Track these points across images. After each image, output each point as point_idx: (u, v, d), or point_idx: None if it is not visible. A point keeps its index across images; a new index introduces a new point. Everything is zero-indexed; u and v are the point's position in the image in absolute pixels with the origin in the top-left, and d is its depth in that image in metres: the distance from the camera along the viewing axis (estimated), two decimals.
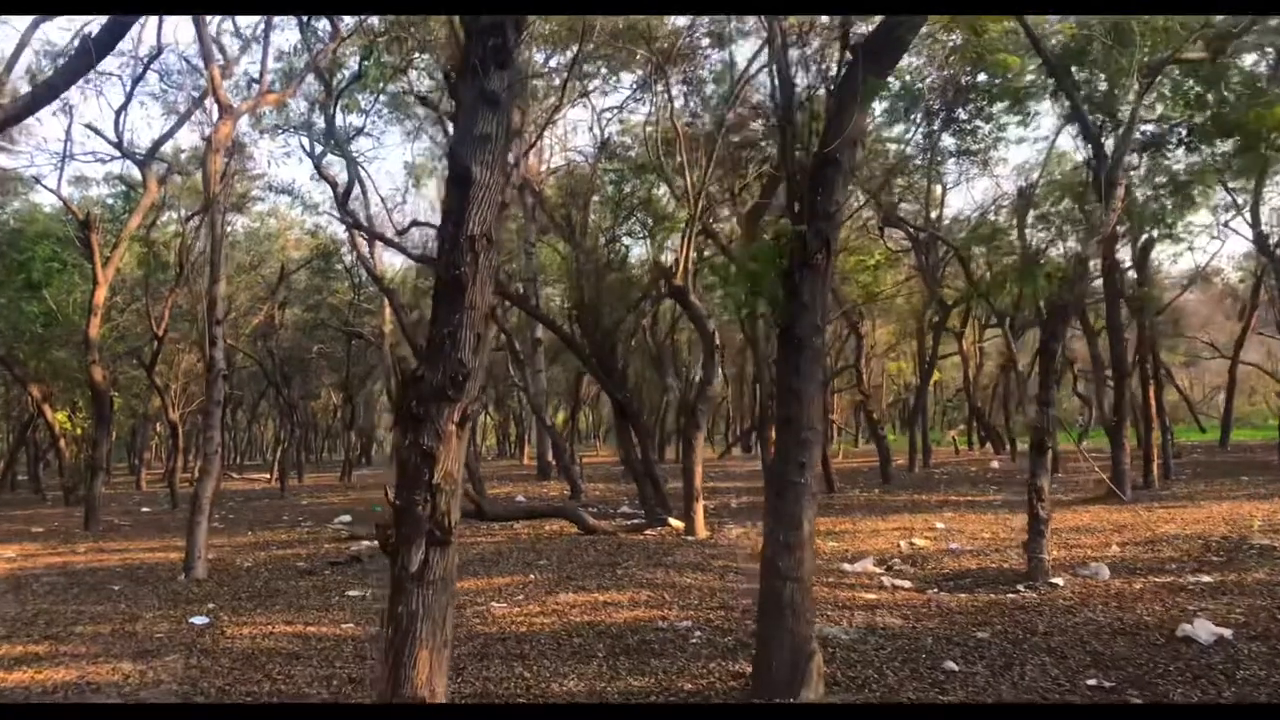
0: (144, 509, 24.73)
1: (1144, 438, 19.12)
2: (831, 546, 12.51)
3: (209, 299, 11.64)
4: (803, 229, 5.89)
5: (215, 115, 12.68)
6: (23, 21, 21.79)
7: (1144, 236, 19.95)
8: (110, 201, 27.37)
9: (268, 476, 40.39)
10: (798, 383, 5.83)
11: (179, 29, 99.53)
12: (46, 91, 6.90)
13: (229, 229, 31.35)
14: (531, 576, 10.65)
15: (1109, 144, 14.88)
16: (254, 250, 34.30)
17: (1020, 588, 9.24)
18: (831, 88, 6.48)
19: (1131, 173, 16.03)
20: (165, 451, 57.32)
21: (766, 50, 13.90)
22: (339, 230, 36.96)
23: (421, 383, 4.06)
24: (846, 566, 11.16)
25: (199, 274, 26.99)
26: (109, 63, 20.19)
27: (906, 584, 10.01)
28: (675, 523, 14.21)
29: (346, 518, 17.62)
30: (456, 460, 4.06)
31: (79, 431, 28.21)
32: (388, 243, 18.62)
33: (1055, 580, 9.46)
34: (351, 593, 9.90)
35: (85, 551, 14.71)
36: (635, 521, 15.05)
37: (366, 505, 21.34)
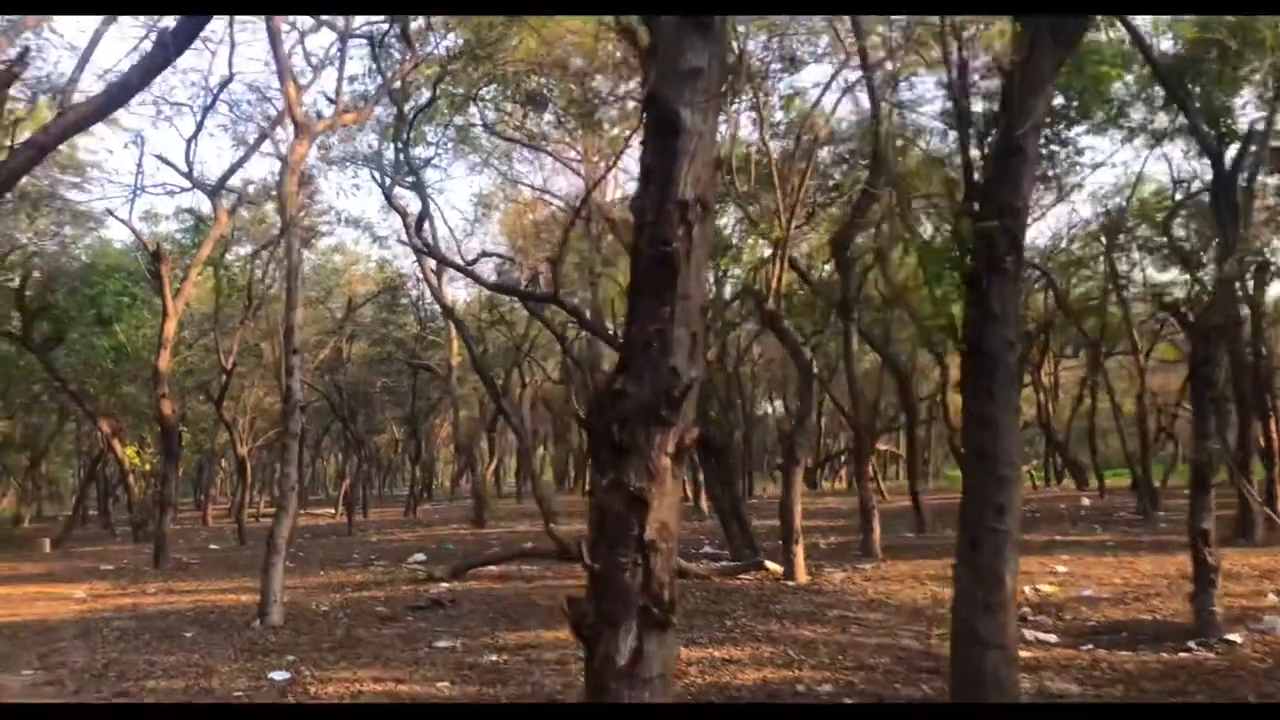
0: (212, 545, 24.32)
1: (1268, 474, 17.73)
2: (949, 593, 11.44)
3: (285, 327, 11.02)
4: (990, 226, 4.99)
5: (291, 135, 12.15)
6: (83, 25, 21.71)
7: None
8: (179, 237, 27.27)
9: (333, 512, 40.07)
10: (991, 409, 4.90)
11: (249, 58, 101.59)
12: (121, 90, 6.30)
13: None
14: None
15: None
16: (321, 284, 34.14)
17: (1192, 645, 8.11)
18: (1009, 69, 5.59)
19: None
20: (231, 486, 57.56)
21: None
22: (405, 264, 36.78)
23: (624, 400, 3.13)
24: None
25: (268, 306, 26.77)
26: (180, 93, 20.06)
27: (1052, 638, 8.92)
28: (773, 566, 13.22)
29: (421, 556, 16.89)
30: (673, 508, 3.16)
31: (148, 467, 28.01)
32: (462, 270, 18.03)
33: (1231, 637, 8.32)
34: (440, 643, 9.08)
35: (155, 592, 14.13)
36: (728, 564, 14.08)
37: (437, 542, 20.64)
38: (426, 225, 21.02)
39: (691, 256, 3.04)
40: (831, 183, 17.79)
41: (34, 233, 25.65)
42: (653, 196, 3.11)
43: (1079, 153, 19.37)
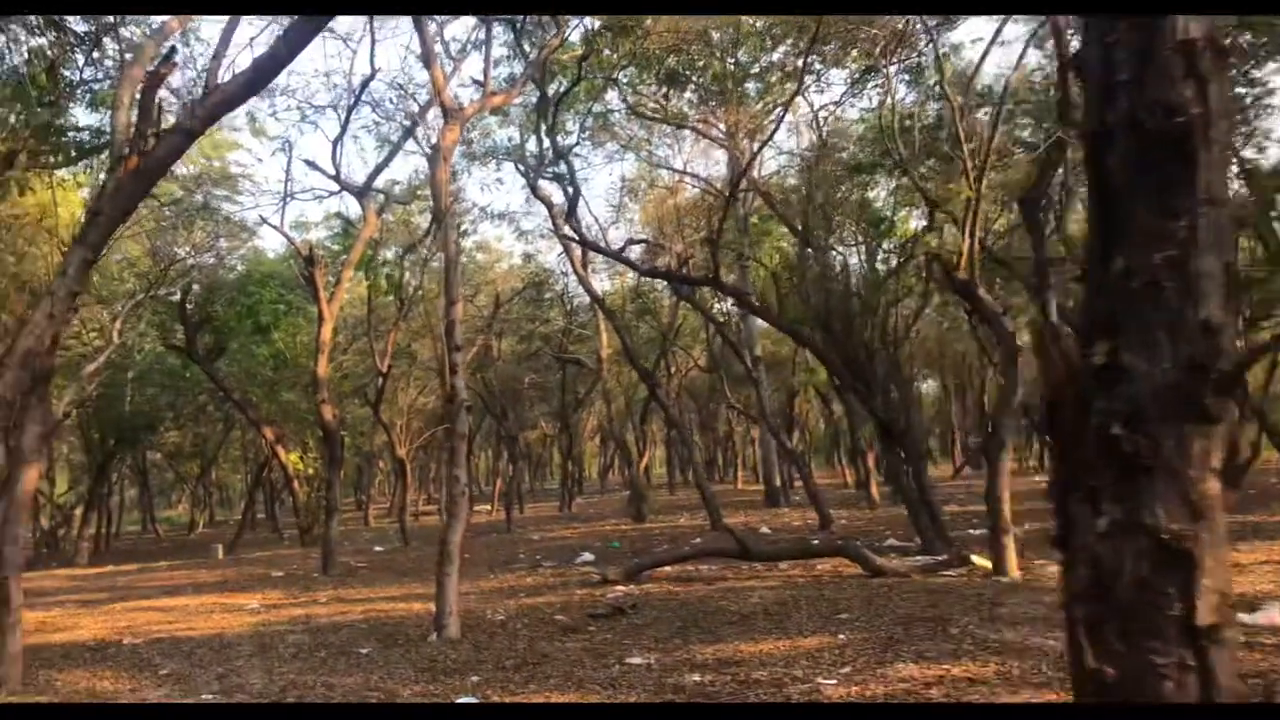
0: (376, 548, 24.37)
1: None
2: None
3: (446, 323, 10.38)
4: None
5: (439, 123, 11.54)
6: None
7: None
8: (329, 244, 27.57)
9: (488, 509, 40.30)
10: None
11: (389, 54, 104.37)
12: (270, 62, 5.67)
13: (440, 259, 31.36)
14: (842, 637, 8.67)
15: None
16: (467, 282, 34.18)
17: None
18: None
19: None
20: (389, 486, 59.00)
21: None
22: (549, 259, 36.39)
23: (1126, 383, 1.87)
24: (1244, 617, 8.60)
25: (420, 305, 26.77)
26: (322, 97, 19.85)
27: None
28: (980, 561, 11.91)
29: (589, 556, 16.21)
30: (1227, 566, 1.96)
31: (310, 471, 28.44)
32: (614, 256, 17.27)
33: None
34: (633, 659, 8.22)
35: (327, 601, 13.84)
36: (928, 560, 12.81)
37: (601, 540, 19.97)
38: (567, 212, 20.43)
39: (1211, 132, 1.88)
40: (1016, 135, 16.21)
41: (191, 246, 26.28)
42: (1128, 46, 1.92)
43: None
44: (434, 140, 12.58)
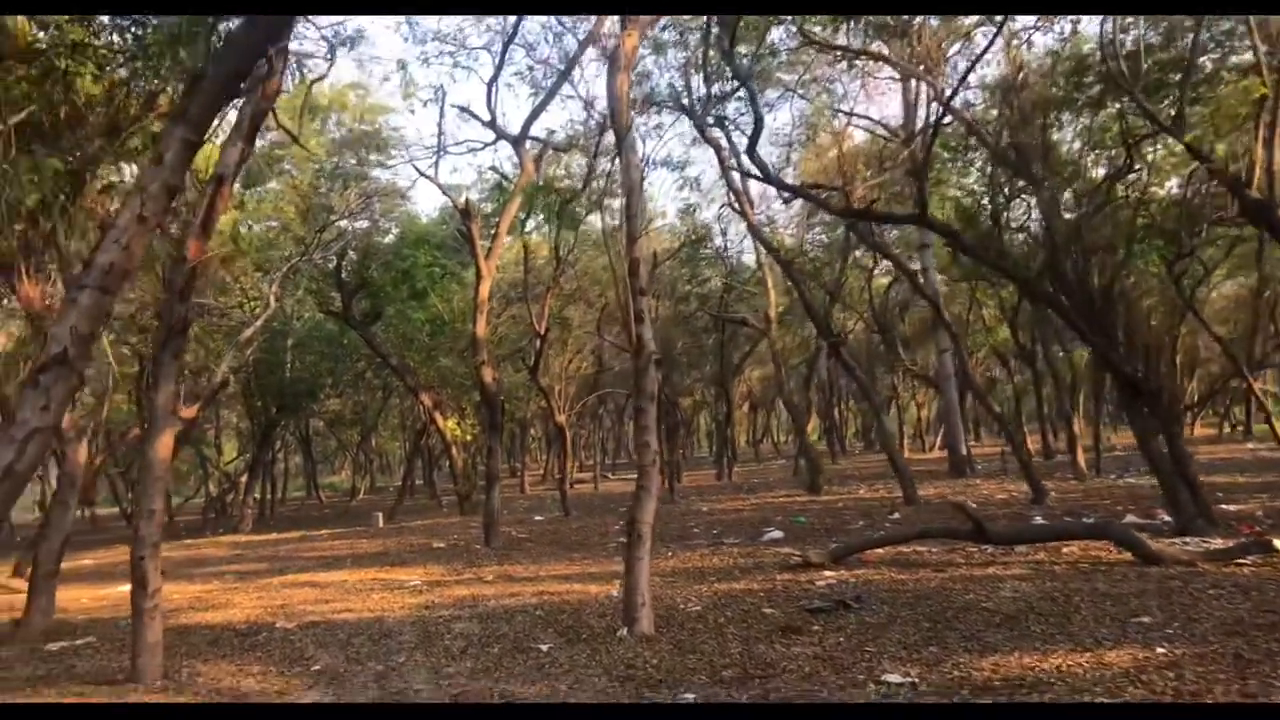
0: (536, 517, 23.24)
1: None
2: None
3: (629, 262, 8.69)
4: None
5: (618, 28, 9.82)
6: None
7: None
8: (484, 205, 26.48)
9: None
10: None
11: None
12: None
13: (581, 227, 29.84)
14: (1161, 650, 6.59)
15: None
16: (618, 247, 32.72)
17: None
18: None
19: None
20: (539, 453, 58.70)
21: None
22: (708, 214, 34.45)
23: None
24: None
25: (573, 267, 25.42)
26: (475, 39, 18.46)
27: None
28: None
29: (777, 533, 14.40)
30: None
31: (468, 438, 27.61)
32: (804, 195, 15.22)
33: None
34: (891, 678, 6.39)
35: (493, 579, 12.51)
36: (1209, 546, 10.46)
37: (776, 512, 18.13)
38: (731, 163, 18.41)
39: None
40: None
41: (345, 210, 25.63)
42: None
43: None
44: (591, 82, 10.89)
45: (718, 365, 35.31)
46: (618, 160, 13.31)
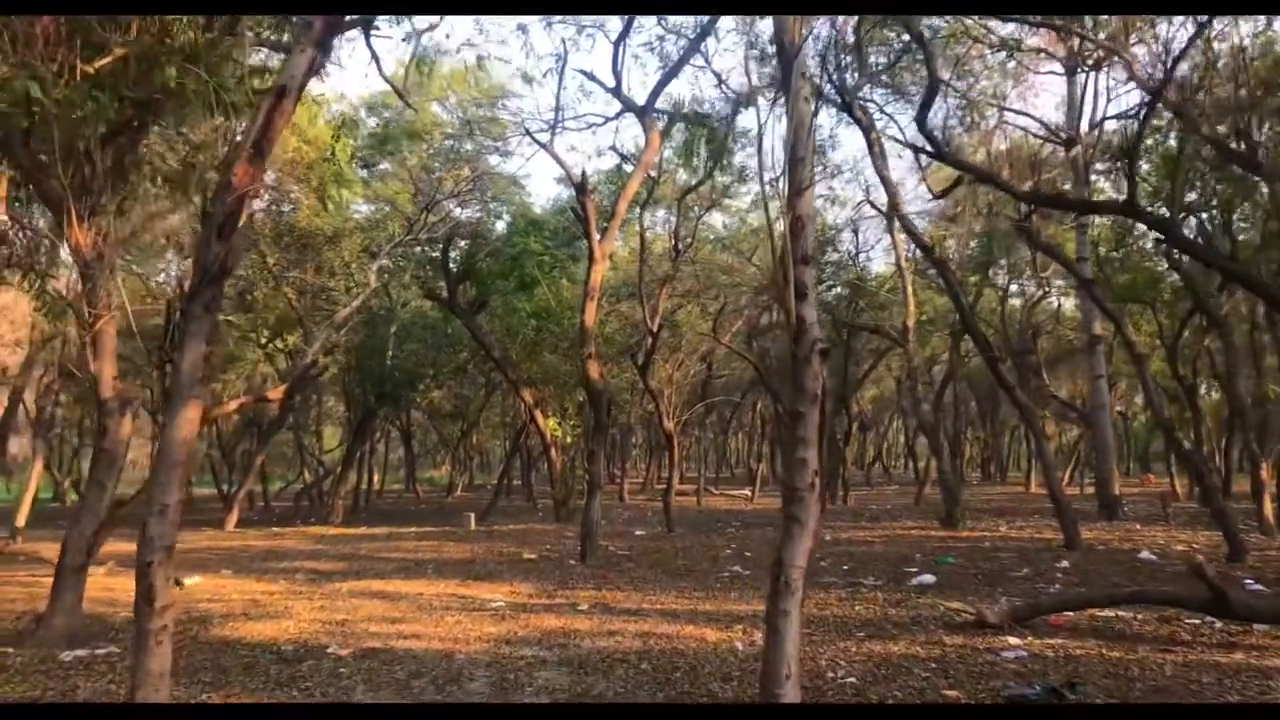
0: (637, 531, 21.31)
1: None
2: None
3: (791, 220, 6.64)
4: None
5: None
6: None
7: None
8: (603, 187, 24.78)
9: (747, 494, 36.82)
10: None
11: None
12: None
13: (701, 225, 27.79)
14: None
15: None
16: (736, 247, 30.66)
17: None
18: None
19: None
20: (643, 460, 56.82)
21: None
22: (837, 215, 32.12)
23: None
24: None
25: (691, 262, 23.51)
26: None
27: None
28: None
29: (928, 579, 12.08)
30: None
31: (569, 440, 25.91)
32: (990, 180, 12.80)
33: None
34: None
35: (588, 608, 10.58)
36: None
37: (911, 548, 15.77)
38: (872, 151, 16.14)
39: None
40: None
41: (455, 192, 24.25)
42: None
43: None
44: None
45: (836, 379, 32.98)
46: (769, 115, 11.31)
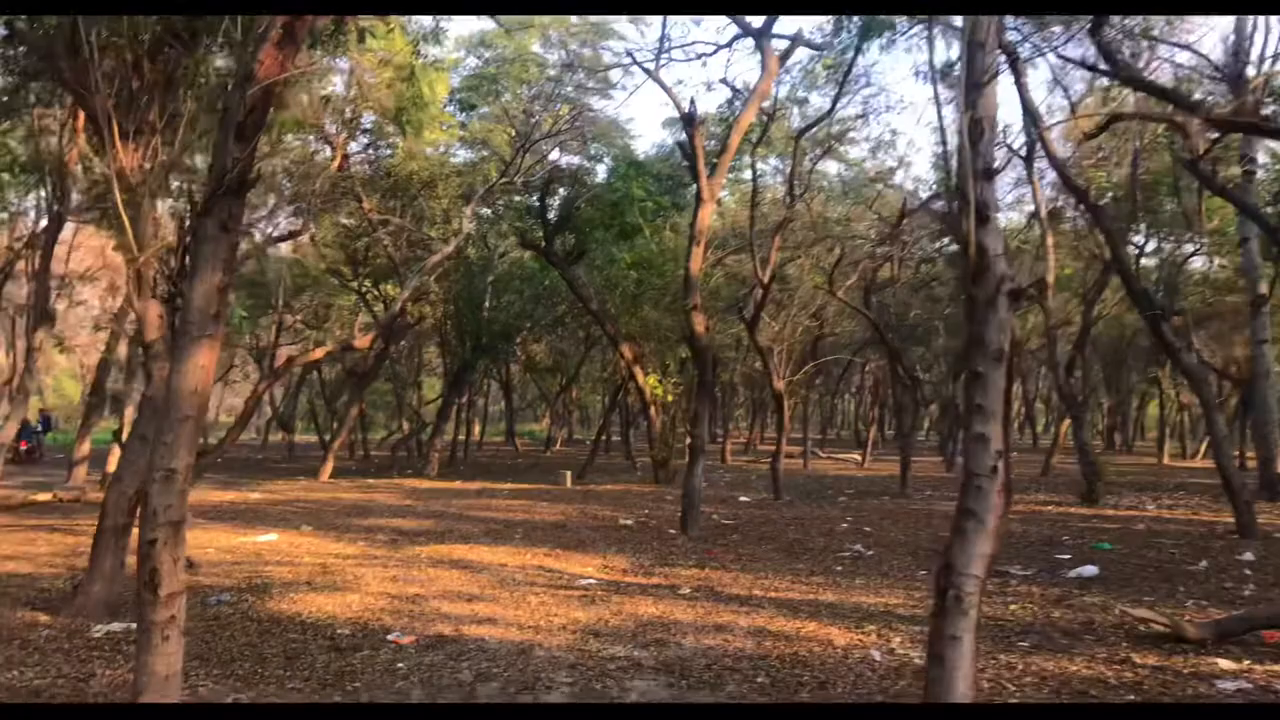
0: (741, 498, 19.89)
1: None
2: None
3: (969, 124, 5.04)
4: None
5: None
6: None
7: None
8: (713, 128, 23.12)
9: (856, 458, 35.04)
10: None
11: None
12: None
13: (818, 175, 25.76)
14: None
15: None
16: (855, 194, 28.63)
17: None
18: None
19: None
20: (745, 421, 55.28)
21: None
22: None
23: None
24: None
25: (808, 204, 21.75)
26: None
27: None
28: None
29: (1088, 569, 10.32)
30: None
31: (669, 398, 24.56)
32: (1175, 100, 10.81)
33: None
34: None
35: (690, 592, 9.22)
36: None
37: (1045, 524, 13.94)
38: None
39: None
40: None
41: (555, 129, 22.91)
42: None
43: None
44: None
45: (960, 339, 30.78)
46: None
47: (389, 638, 7.13)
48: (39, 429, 30.18)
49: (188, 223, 6.89)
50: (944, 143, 5.35)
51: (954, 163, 5.36)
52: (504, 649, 6.87)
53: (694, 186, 26.73)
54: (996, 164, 5.38)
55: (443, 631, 7.39)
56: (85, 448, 21.69)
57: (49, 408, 40.14)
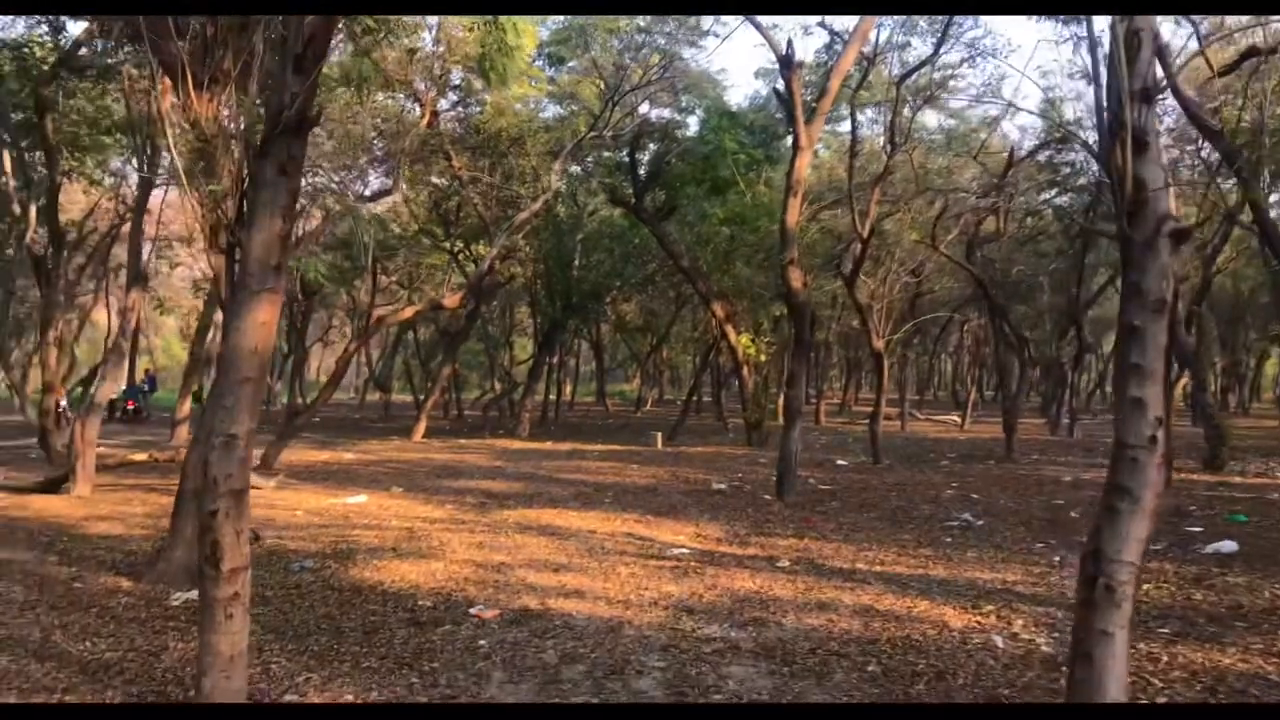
0: (838, 461, 19.20)
1: None
2: None
3: (1125, 34, 4.30)
4: None
5: None
6: None
7: None
8: (810, 77, 22.13)
9: (955, 419, 33.89)
10: None
11: None
12: None
13: (917, 126, 24.38)
14: None
15: None
16: (962, 143, 27.23)
17: None
18: None
19: None
20: (839, 380, 54.05)
21: None
22: (1078, 108, 28.26)
23: None
24: None
25: (910, 151, 20.70)
26: None
27: None
28: None
29: (1227, 544, 9.42)
30: None
31: (762, 358, 23.89)
32: None
33: None
34: None
35: (789, 565, 8.67)
36: None
37: (1174, 496, 12.92)
38: None
39: None
40: None
41: (645, 79, 22.21)
42: None
43: None
44: None
45: (1061, 296, 29.28)
46: None
47: (471, 611, 6.77)
48: (145, 389, 31.00)
49: (246, 169, 6.48)
50: (1092, 52, 4.58)
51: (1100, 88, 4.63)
52: (592, 626, 6.44)
53: (788, 138, 25.75)
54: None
55: (528, 605, 7.00)
56: (186, 407, 22.14)
57: (157, 368, 41.35)
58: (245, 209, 5.52)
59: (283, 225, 4.57)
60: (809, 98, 19.43)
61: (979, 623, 6.64)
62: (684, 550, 9.30)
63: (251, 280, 4.54)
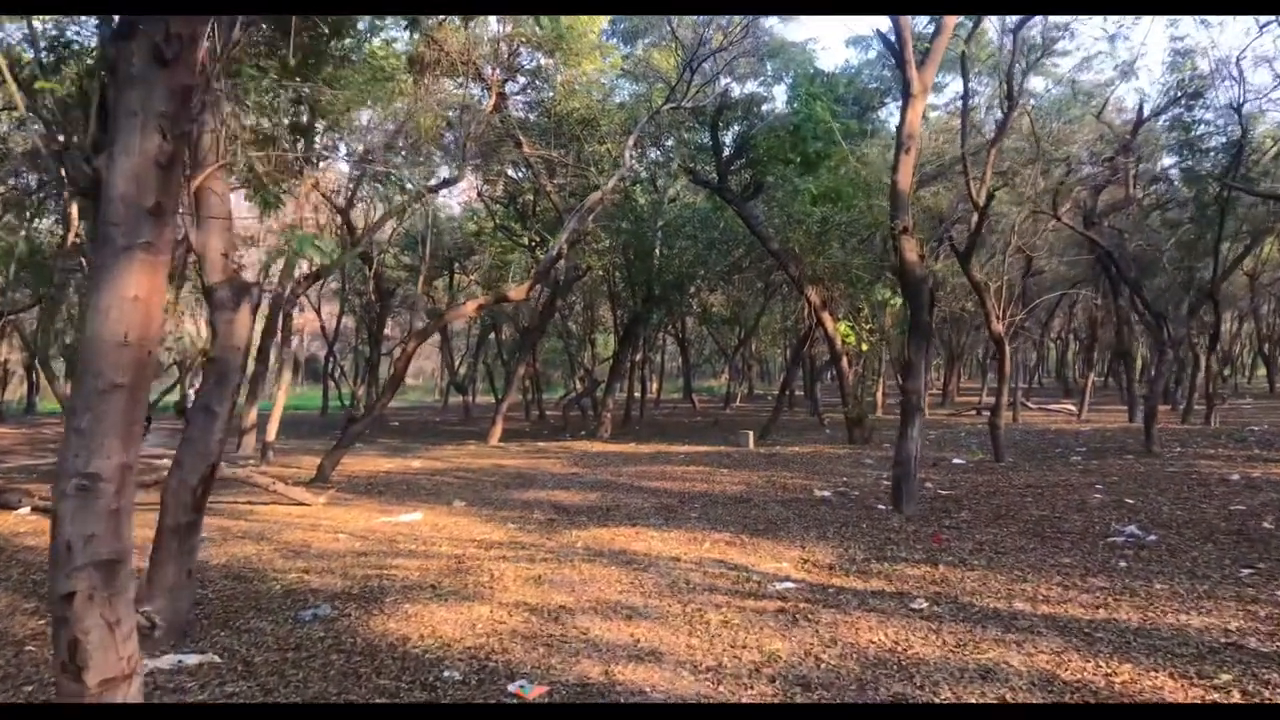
0: (954, 459, 17.10)
1: None
2: None
3: None
4: None
5: None
6: None
7: None
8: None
9: (1070, 408, 31.14)
10: None
11: None
12: None
13: (1025, 95, 21.90)
14: None
15: None
16: (1073, 111, 24.62)
17: None
18: None
19: None
20: (943, 369, 51.10)
21: None
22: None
23: None
24: None
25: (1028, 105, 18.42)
26: None
27: None
28: None
29: None
30: None
31: (864, 347, 21.81)
32: None
33: None
34: None
35: (926, 603, 6.77)
36: None
37: None
38: None
39: None
40: None
41: (725, 49, 20.31)
42: None
43: None
44: None
45: (1185, 269, 26.36)
46: None
47: (511, 688, 5.07)
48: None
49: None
50: None
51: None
52: (676, 695, 4.69)
53: (882, 110, 23.50)
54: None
55: (587, 674, 5.28)
56: (253, 415, 21.11)
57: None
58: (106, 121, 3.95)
59: (162, 145, 2.93)
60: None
61: (1216, 702, 4.69)
62: (789, 584, 7.47)
63: (115, 232, 2.90)
